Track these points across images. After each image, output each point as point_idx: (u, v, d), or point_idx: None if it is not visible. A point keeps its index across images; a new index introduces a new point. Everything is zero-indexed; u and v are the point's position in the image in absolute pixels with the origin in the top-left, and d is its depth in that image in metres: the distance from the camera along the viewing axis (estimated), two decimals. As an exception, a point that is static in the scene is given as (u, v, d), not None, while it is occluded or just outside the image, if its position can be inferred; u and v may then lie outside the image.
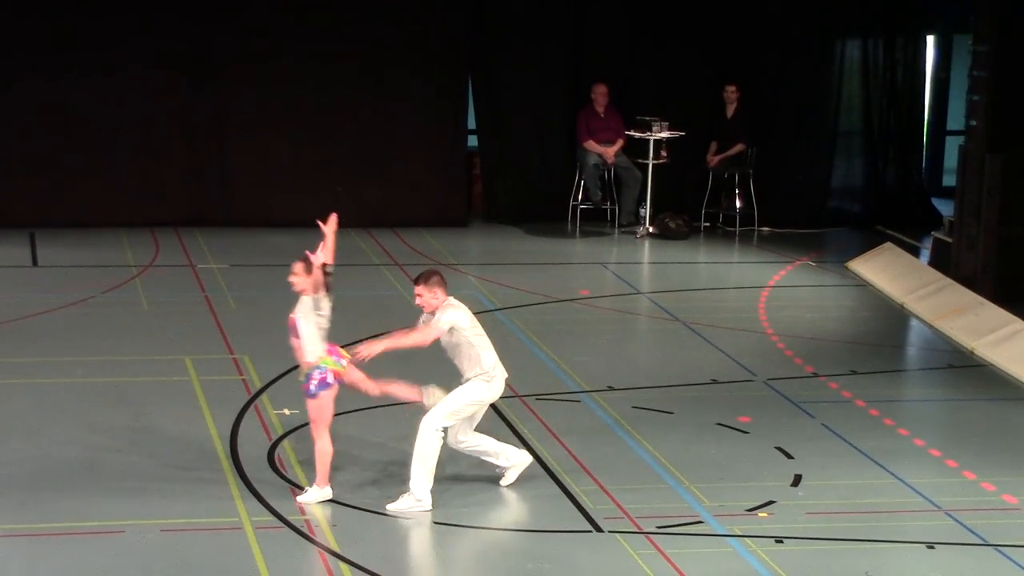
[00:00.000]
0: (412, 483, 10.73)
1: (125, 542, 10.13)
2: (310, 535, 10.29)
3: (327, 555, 10.02)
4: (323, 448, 10.73)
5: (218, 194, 19.49)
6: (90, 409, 12.65)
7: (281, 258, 17.95)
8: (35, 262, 17.70)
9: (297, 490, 10.96)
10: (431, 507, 10.69)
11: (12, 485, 10.99)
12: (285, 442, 11.95)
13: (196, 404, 12.81)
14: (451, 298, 10.90)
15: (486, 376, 10.84)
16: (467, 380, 10.86)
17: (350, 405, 12.15)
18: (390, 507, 10.73)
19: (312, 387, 10.67)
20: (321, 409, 10.71)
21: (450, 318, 10.78)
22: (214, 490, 10.98)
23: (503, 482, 11.15)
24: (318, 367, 10.67)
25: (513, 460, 11.18)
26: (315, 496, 10.80)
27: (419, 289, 10.87)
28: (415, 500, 10.72)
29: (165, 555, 9.96)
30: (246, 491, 10.95)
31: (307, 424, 12.21)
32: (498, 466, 11.19)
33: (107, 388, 13.20)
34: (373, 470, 11.38)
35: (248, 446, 11.82)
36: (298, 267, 10.81)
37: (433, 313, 10.84)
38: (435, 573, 10.14)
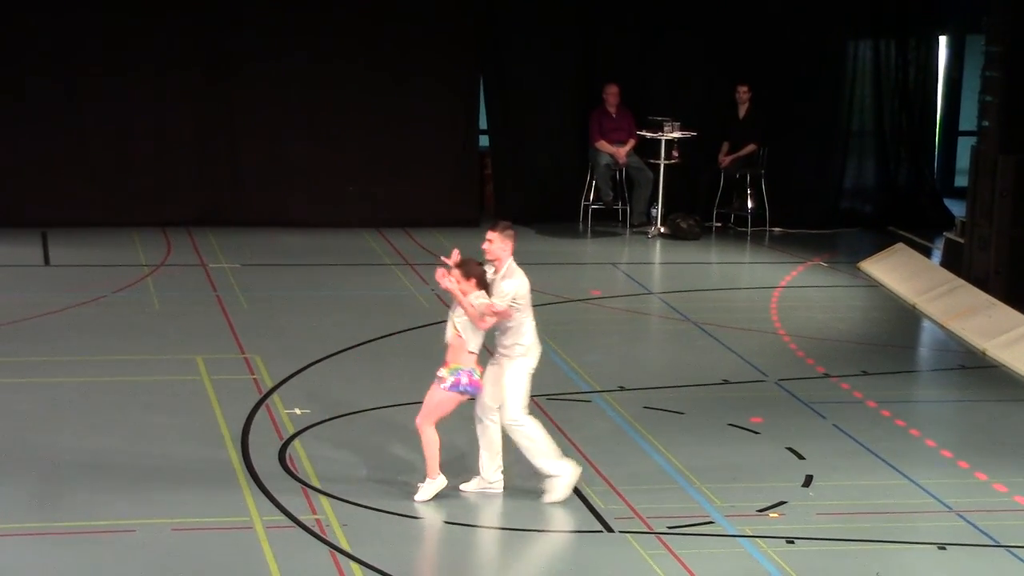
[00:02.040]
0: (546, 470, 10.79)
1: (136, 541, 10.14)
2: (321, 535, 10.29)
3: (338, 555, 10.02)
4: (429, 438, 10.72)
5: (230, 194, 19.51)
6: (101, 408, 12.66)
7: (293, 258, 18.09)
8: (47, 261, 17.72)
9: (308, 489, 10.97)
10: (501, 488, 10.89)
11: (23, 484, 11.00)
12: (296, 441, 11.96)
13: (207, 403, 12.82)
14: (513, 261, 10.83)
15: (525, 350, 10.85)
16: (506, 355, 10.82)
17: (361, 405, 12.18)
18: (462, 487, 10.90)
19: (450, 383, 10.66)
20: (441, 405, 10.71)
21: (511, 288, 10.71)
22: (225, 490, 10.99)
23: (545, 498, 10.97)
24: (469, 370, 10.68)
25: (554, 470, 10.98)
26: (430, 490, 10.79)
27: (491, 235, 10.75)
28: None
29: (176, 554, 9.96)
30: (257, 491, 10.96)
31: (317, 424, 12.24)
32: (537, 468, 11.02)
33: (118, 387, 13.21)
34: (384, 469, 11.38)
35: (259, 446, 11.82)
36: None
37: (493, 264, 10.77)
38: (446, 573, 10.13)
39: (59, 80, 18.95)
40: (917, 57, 20.82)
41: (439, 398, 10.71)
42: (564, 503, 10.94)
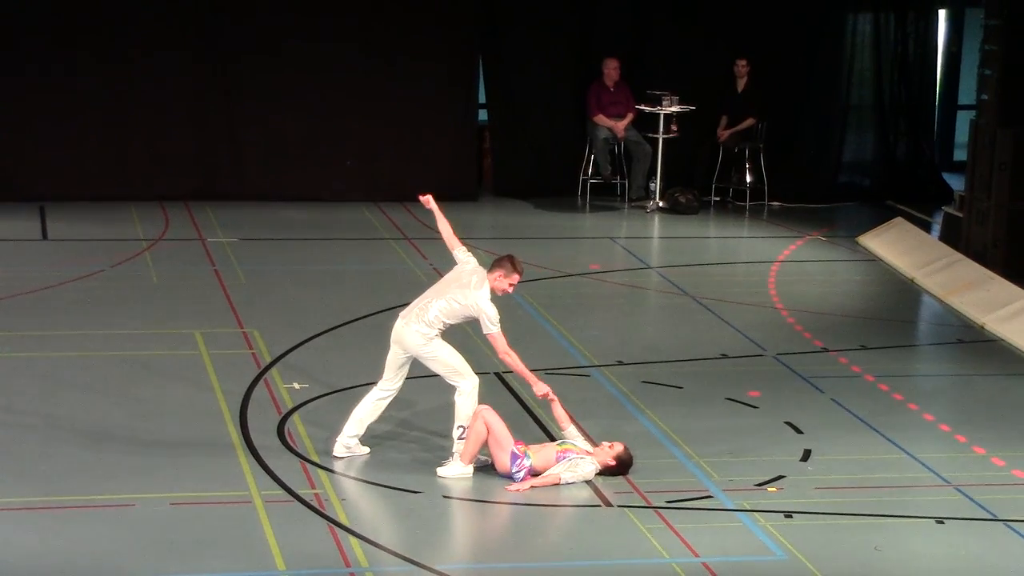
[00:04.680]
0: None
1: (135, 516, 10.15)
2: (320, 509, 10.30)
3: (336, 529, 10.03)
4: (478, 430, 10.80)
5: (228, 168, 19.48)
6: (99, 383, 12.66)
7: (291, 232, 18.08)
8: (45, 236, 17.70)
9: (307, 464, 10.99)
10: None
11: (22, 459, 11.01)
12: (295, 416, 11.97)
13: (206, 378, 12.82)
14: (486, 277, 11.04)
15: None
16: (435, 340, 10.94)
17: (360, 380, 12.18)
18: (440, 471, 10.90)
19: (519, 465, 10.81)
20: (500, 439, 10.81)
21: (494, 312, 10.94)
22: (224, 464, 11.00)
23: (336, 451, 11.11)
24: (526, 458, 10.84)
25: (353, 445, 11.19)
26: (453, 471, 10.86)
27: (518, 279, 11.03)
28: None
29: (175, 529, 9.97)
30: (256, 465, 10.97)
31: (316, 398, 12.27)
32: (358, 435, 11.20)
33: (116, 362, 13.21)
34: (382, 443, 11.38)
35: (258, 420, 11.83)
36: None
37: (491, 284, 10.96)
38: (444, 547, 10.15)
39: (57, 54, 18.90)
40: (916, 30, 20.77)
41: (506, 456, 10.80)
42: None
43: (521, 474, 10.76)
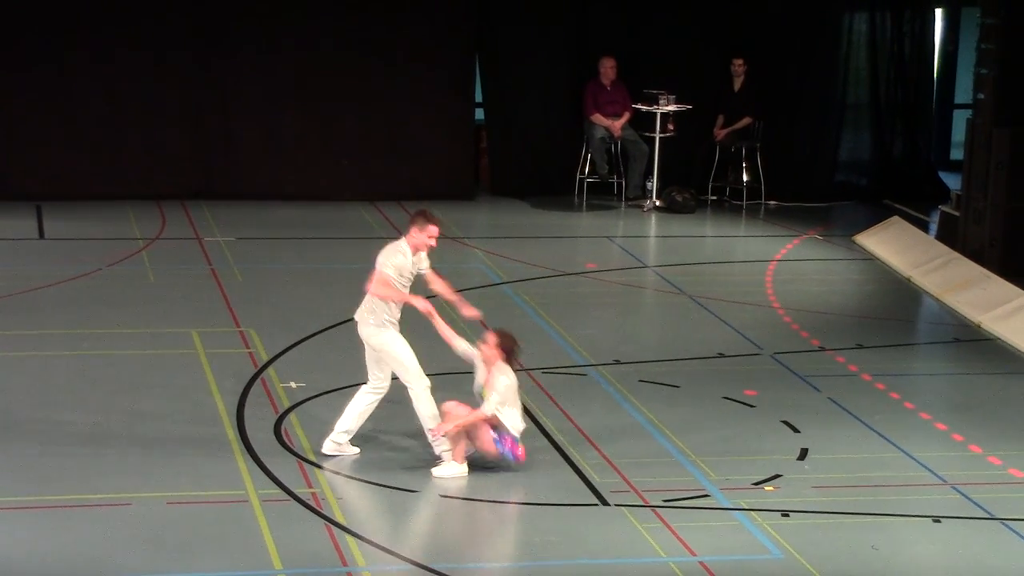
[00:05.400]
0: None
1: (132, 515, 10.14)
2: (317, 508, 10.30)
3: (333, 528, 10.03)
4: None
5: (224, 167, 19.46)
6: (96, 382, 12.66)
7: (288, 231, 18.06)
8: (41, 235, 17.69)
9: (304, 463, 10.99)
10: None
11: (19, 457, 11.00)
12: (291, 415, 11.96)
13: (202, 377, 12.82)
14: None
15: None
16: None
17: (356, 379, 12.17)
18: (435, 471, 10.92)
19: (499, 440, 10.86)
20: (480, 433, 10.86)
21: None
22: (220, 463, 10.99)
23: (326, 449, 11.15)
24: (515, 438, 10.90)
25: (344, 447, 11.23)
26: (449, 471, 10.86)
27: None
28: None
29: (171, 528, 9.97)
30: (252, 464, 10.97)
31: (313, 397, 12.27)
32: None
33: (113, 360, 13.21)
34: (379, 443, 11.38)
35: (254, 419, 11.83)
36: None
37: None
38: (440, 546, 10.14)
39: (53, 53, 18.87)
40: (913, 29, 20.76)
41: (485, 432, 10.82)
42: (559, 476, 10.95)
43: (507, 446, 10.80)
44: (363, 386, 11.14)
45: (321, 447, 11.15)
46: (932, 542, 10.23)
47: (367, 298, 10.98)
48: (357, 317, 11.05)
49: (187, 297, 15.16)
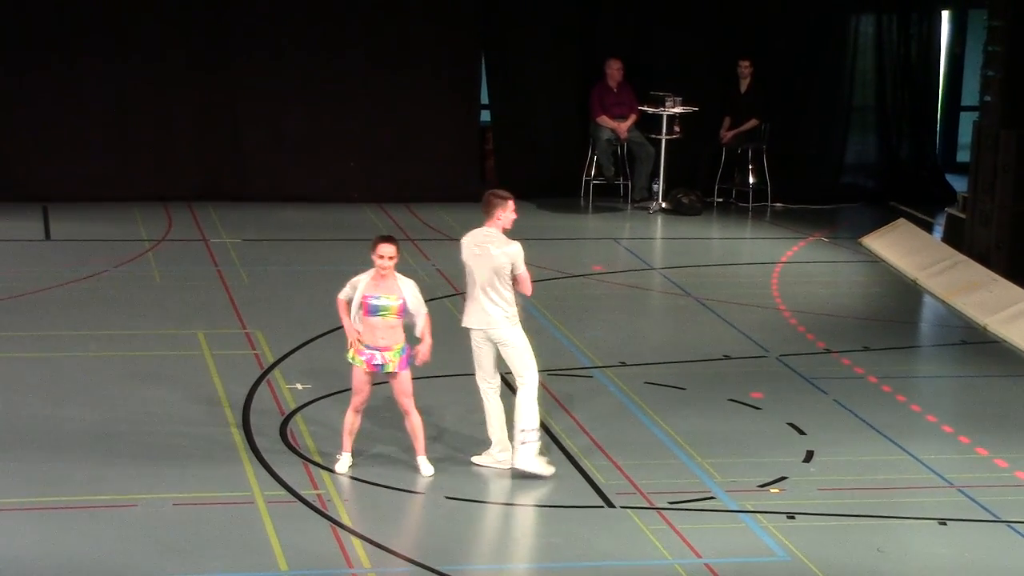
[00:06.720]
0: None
1: (138, 516, 10.15)
2: (322, 509, 10.30)
3: (339, 529, 10.04)
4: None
5: (231, 168, 19.47)
6: (102, 383, 12.67)
7: (294, 233, 18.07)
8: (48, 236, 17.71)
9: (309, 465, 10.99)
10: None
11: (25, 458, 11.01)
12: (297, 416, 11.97)
13: (208, 378, 12.83)
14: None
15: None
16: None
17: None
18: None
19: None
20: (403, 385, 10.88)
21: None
22: (226, 464, 11.00)
23: (475, 458, 11.12)
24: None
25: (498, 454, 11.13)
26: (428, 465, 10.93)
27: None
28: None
29: (178, 529, 9.98)
30: (258, 465, 10.97)
31: (319, 399, 12.28)
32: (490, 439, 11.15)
33: (119, 362, 13.22)
34: (385, 444, 11.38)
35: (260, 420, 11.83)
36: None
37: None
38: (446, 548, 10.13)
39: (61, 55, 18.89)
40: (919, 31, 20.76)
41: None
42: (565, 478, 10.94)
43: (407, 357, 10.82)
44: (488, 391, 11.04)
45: (514, 463, 10.96)
46: (938, 545, 10.22)
47: (500, 300, 10.84)
48: (485, 323, 10.88)
49: (193, 299, 15.17)
